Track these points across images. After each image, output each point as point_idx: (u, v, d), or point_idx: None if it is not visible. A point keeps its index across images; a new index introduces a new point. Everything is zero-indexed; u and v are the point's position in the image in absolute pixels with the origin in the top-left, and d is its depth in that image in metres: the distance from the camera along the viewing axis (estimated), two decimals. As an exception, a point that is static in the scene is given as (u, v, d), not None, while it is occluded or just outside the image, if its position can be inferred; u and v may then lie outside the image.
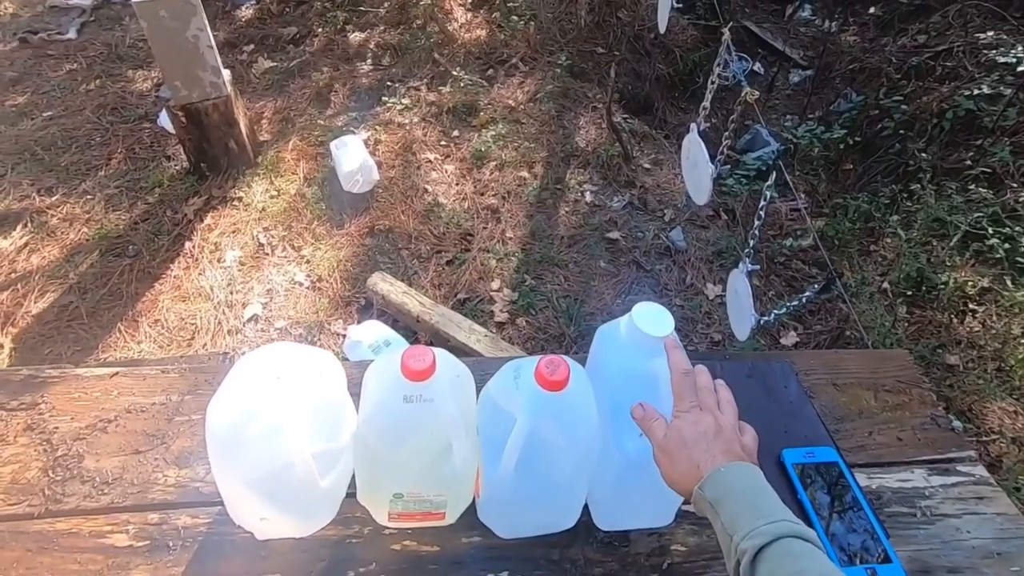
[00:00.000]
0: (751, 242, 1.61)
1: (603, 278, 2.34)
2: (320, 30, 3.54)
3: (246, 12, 3.64)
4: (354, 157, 2.47)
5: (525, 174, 2.81)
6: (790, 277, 2.37)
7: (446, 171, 2.79)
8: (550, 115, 3.15)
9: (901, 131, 2.66)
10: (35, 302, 2.07)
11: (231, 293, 2.07)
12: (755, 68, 3.79)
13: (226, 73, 2.32)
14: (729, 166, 2.78)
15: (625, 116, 3.23)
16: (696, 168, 2.32)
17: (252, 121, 2.71)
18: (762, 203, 1.54)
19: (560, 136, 3.03)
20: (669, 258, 2.43)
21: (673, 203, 2.69)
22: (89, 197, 2.42)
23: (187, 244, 2.20)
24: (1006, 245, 2.06)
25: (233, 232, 2.28)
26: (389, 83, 3.23)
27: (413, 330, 2.05)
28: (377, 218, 2.45)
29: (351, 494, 0.74)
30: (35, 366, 0.95)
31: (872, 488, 0.82)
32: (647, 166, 2.92)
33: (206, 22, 2.14)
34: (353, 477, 0.73)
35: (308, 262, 2.24)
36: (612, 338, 0.71)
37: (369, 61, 3.41)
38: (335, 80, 3.17)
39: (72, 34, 3.42)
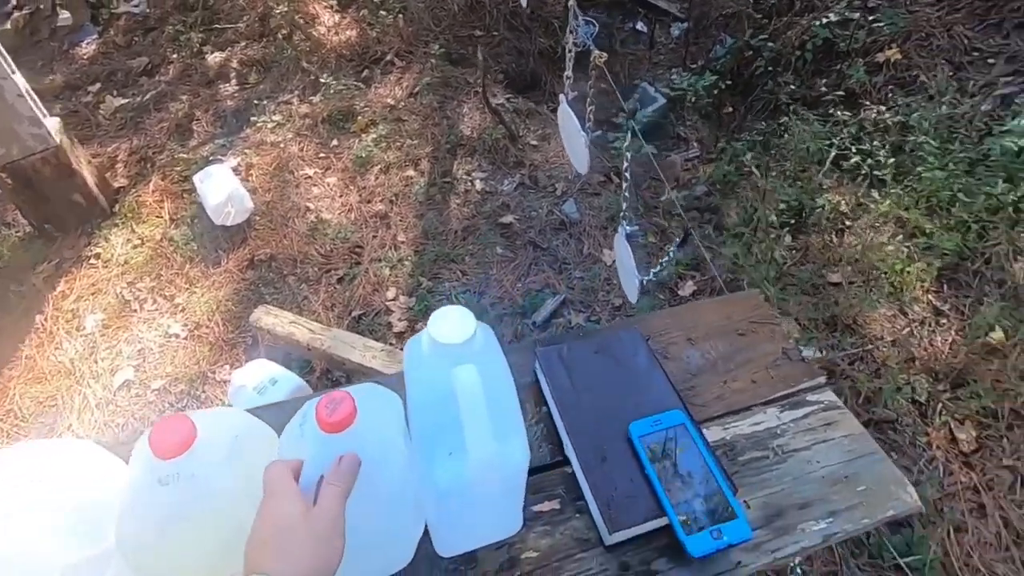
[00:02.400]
0: (623, 205, 1.56)
1: (501, 264, 2.26)
2: (175, 56, 3.30)
3: (87, 48, 3.35)
4: (221, 188, 2.30)
5: (411, 173, 2.69)
6: (698, 229, 2.36)
7: (328, 184, 2.64)
8: (432, 107, 3.03)
9: (770, 68, 2.69)
10: None
11: (95, 363, 1.87)
12: (638, 27, 3.79)
13: (51, 121, 2.10)
14: (600, 132, 2.76)
15: (509, 96, 3.15)
16: (572, 138, 2.27)
17: (102, 168, 2.48)
18: (625, 164, 1.49)
19: (444, 128, 2.93)
20: (565, 232, 2.38)
21: (564, 176, 2.64)
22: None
23: (38, 318, 1.97)
24: (868, 161, 2.11)
25: (92, 294, 2.07)
26: (257, 101, 3.04)
27: (307, 359, 1.92)
28: (256, 248, 2.29)
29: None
30: None
31: (727, 440, 0.77)
32: (534, 143, 2.86)
33: (9, 68, 1.91)
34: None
35: (183, 310, 2.06)
36: (416, 354, 0.62)
37: (233, 81, 3.20)
38: (196, 107, 2.95)
39: None
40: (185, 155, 2.67)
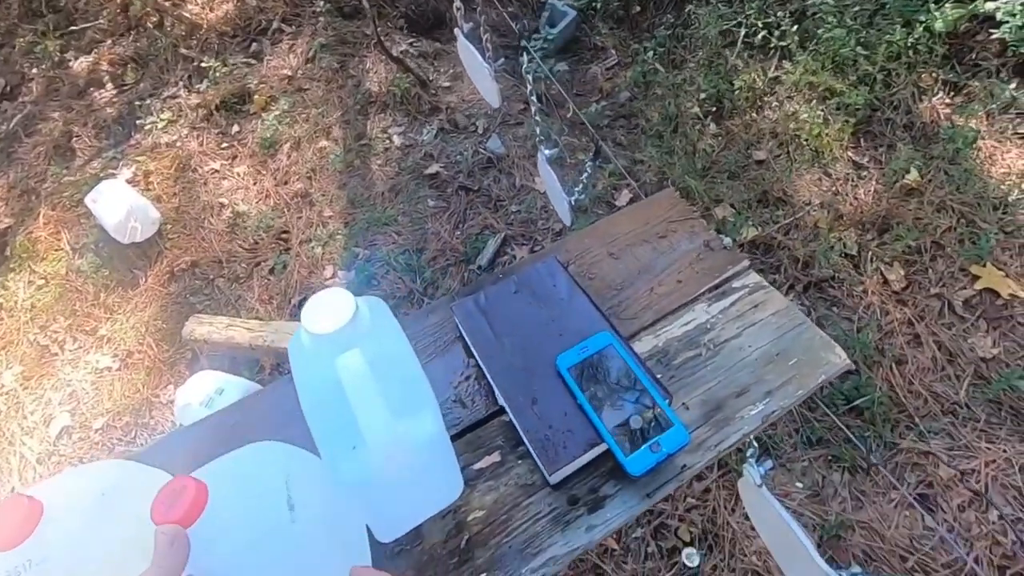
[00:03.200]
0: (537, 129, 1.48)
1: (435, 216, 2.17)
2: (34, 71, 2.98)
3: (-66, 86, 3.00)
4: (118, 205, 2.12)
5: (324, 143, 2.54)
6: (616, 138, 2.29)
7: (238, 174, 2.47)
8: (332, 70, 2.84)
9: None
10: None
11: (24, 418, 1.75)
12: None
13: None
14: (505, 59, 2.61)
15: (412, 40, 2.96)
16: (477, 73, 2.15)
17: (-17, 211, 2.27)
18: (528, 87, 1.40)
19: (350, 88, 2.75)
20: (494, 169, 2.28)
21: (483, 113, 2.52)
22: None
23: (-52, 386, 1.83)
24: (775, 33, 2.07)
25: (3, 347, 1.92)
26: (140, 102, 2.79)
27: (255, 359, 1.83)
28: (175, 258, 2.14)
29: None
30: None
31: (660, 346, 0.74)
32: (447, 84, 2.71)
33: None
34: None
35: (108, 341, 1.93)
36: (298, 353, 0.55)
37: (108, 85, 2.92)
38: (72, 123, 2.70)
39: None
40: (72, 178, 2.45)
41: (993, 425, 1.47)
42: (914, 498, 1.37)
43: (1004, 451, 1.41)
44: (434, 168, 2.33)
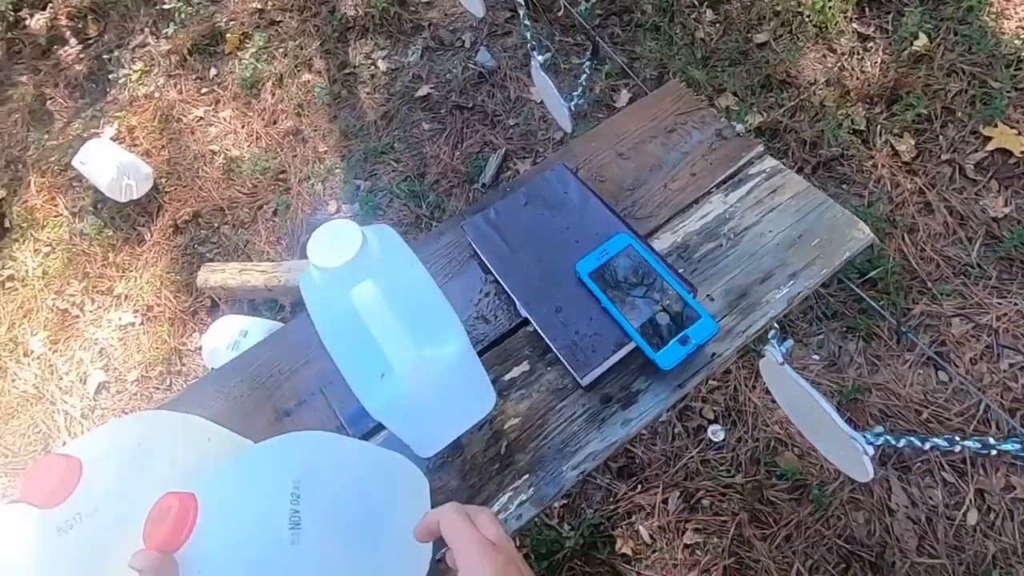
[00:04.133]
0: (527, 35, 1.40)
1: (432, 139, 2.11)
2: (-10, 35, 2.82)
3: None
4: (107, 164, 2.07)
5: (308, 76, 2.43)
6: (613, 35, 2.16)
7: (224, 119, 2.39)
8: (302, -4, 2.66)
9: None
10: None
11: (60, 379, 1.80)
12: None
13: None
14: None
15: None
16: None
17: (-27, 186, 2.23)
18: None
19: (325, 15, 2.59)
20: (486, 83, 2.19)
21: (468, 25, 2.38)
22: None
23: (-23, 362, 1.87)
24: None
25: (24, 316, 1.95)
26: (108, 55, 2.65)
27: (273, 300, 1.85)
28: (176, 211, 2.12)
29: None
30: None
31: (679, 242, 0.73)
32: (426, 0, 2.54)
33: None
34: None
35: (127, 298, 1.95)
36: (310, 288, 0.55)
37: (72, 41, 2.77)
38: (43, 85, 2.59)
39: None
40: (55, 142, 2.38)
41: (1004, 281, 1.50)
42: (928, 357, 1.41)
43: (1015, 303, 1.46)
44: (424, 90, 2.24)
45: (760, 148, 0.75)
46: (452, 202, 1.97)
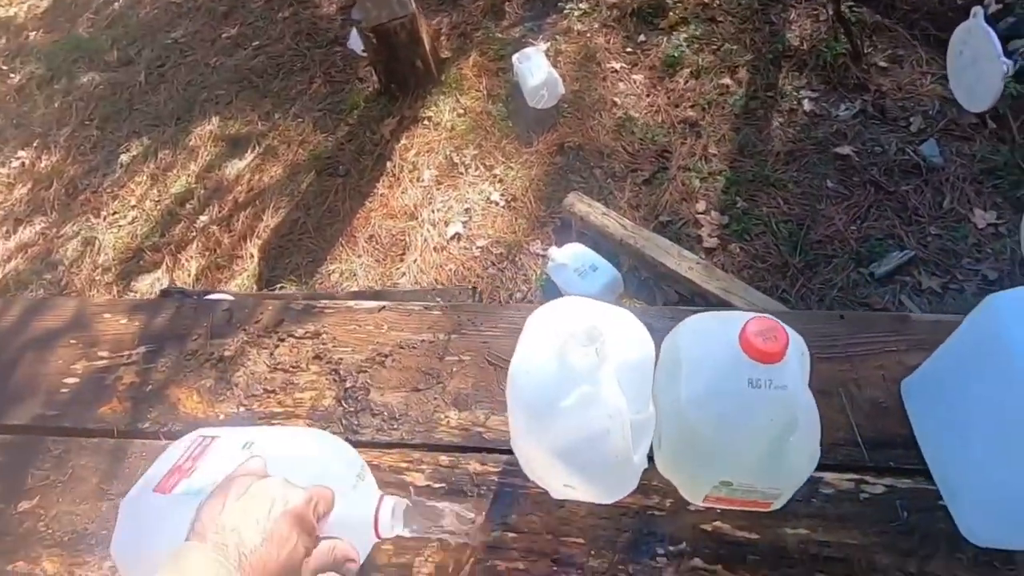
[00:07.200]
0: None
1: (832, 201, 1.98)
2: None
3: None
4: (539, 71, 2.30)
5: (727, 81, 2.45)
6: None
7: (634, 81, 2.51)
8: (752, 9, 2.69)
9: None
10: (271, 217, 2.28)
11: (432, 211, 2.06)
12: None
13: (410, -11, 2.23)
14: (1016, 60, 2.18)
15: (851, 4, 2.67)
16: (976, 65, 1.84)
17: (432, 38, 2.63)
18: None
19: (767, 34, 2.59)
20: (919, 177, 1.99)
21: (923, 110, 2.19)
22: (300, 120, 2.55)
23: (388, 164, 2.23)
24: None
25: (427, 152, 2.26)
26: (566, -13, 2.95)
27: (615, 253, 1.90)
28: (565, 135, 2.29)
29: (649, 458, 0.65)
30: (310, 295, 0.97)
31: None
32: (883, 64, 2.40)
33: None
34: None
35: (501, 181, 2.16)
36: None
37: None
38: (507, -11, 2.97)
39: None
40: (499, 35, 2.71)
41: None
42: None
43: None
44: (845, 150, 2.11)
45: None
46: (828, 271, 1.83)
